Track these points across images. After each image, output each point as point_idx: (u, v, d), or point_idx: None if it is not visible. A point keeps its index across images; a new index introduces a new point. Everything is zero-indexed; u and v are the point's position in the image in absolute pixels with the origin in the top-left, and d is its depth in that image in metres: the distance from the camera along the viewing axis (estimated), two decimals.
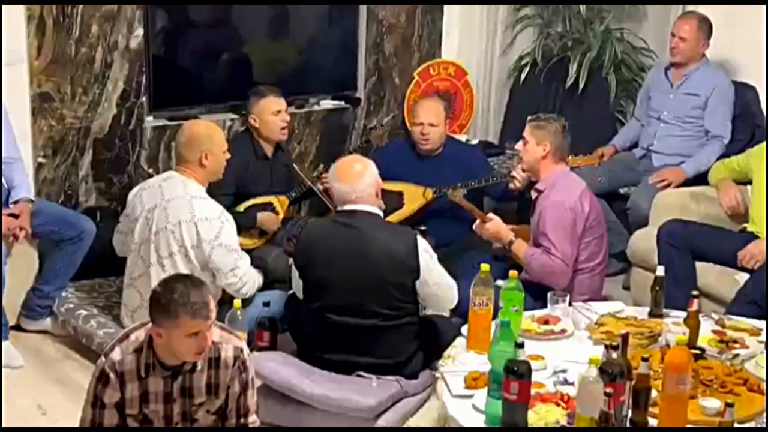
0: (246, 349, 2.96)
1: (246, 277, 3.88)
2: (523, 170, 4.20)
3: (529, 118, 4.11)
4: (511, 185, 4.38)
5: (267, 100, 4.56)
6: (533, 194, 4.07)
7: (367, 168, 3.58)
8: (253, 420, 3.00)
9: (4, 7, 4.35)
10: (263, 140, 4.62)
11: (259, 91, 4.61)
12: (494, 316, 3.35)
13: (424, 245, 3.52)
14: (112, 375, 2.80)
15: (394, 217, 4.61)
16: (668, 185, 4.84)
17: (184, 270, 3.81)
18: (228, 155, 3.98)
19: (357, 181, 3.53)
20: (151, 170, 4.86)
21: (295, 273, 3.62)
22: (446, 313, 3.94)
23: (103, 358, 2.84)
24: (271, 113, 4.57)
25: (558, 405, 2.89)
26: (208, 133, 3.94)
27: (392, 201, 4.63)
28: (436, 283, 3.54)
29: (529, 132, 4.02)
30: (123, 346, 2.83)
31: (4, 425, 3.66)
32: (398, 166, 4.72)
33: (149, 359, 2.82)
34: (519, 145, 4.08)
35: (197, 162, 3.87)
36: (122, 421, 2.86)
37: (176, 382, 2.85)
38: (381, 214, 3.60)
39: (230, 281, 3.85)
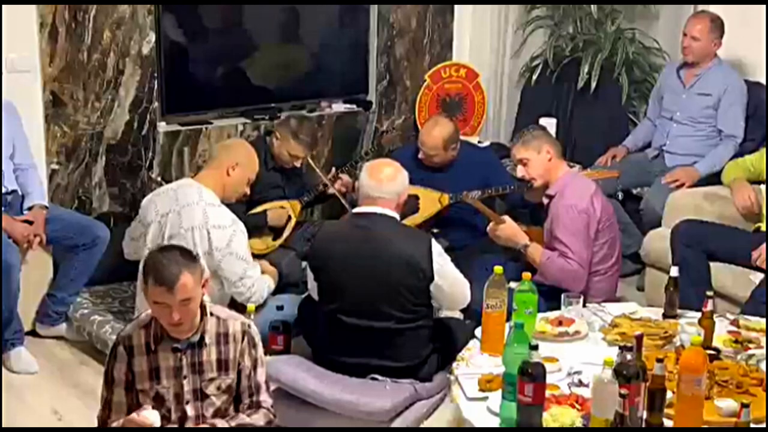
0: (254, 326, 3.01)
1: (254, 287, 3.89)
2: (536, 187, 4.12)
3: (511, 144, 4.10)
4: (527, 196, 4.32)
5: (293, 143, 4.56)
6: (545, 200, 4.05)
7: (399, 174, 3.61)
8: (264, 398, 3.01)
9: (17, 15, 4.37)
10: (275, 155, 4.64)
11: (292, 129, 4.58)
12: (508, 319, 3.35)
13: (438, 248, 3.52)
14: (120, 348, 2.89)
15: (409, 222, 4.59)
16: (681, 185, 4.83)
17: None
18: (248, 190, 4.02)
19: (386, 181, 3.54)
20: (165, 175, 4.86)
21: (310, 274, 3.62)
22: (460, 315, 3.94)
23: (115, 338, 2.95)
24: (290, 154, 4.59)
25: (573, 407, 2.89)
26: (250, 153, 4.01)
27: (408, 205, 4.62)
28: (450, 284, 3.54)
29: (524, 150, 3.99)
30: (133, 324, 2.94)
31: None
32: (411, 172, 4.70)
33: (156, 331, 2.88)
34: (520, 171, 4.03)
35: (224, 169, 3.89)
36: (133, 400, 2.90)
37: (185, 356, 2.90)
38: (397, 217, 3.60)
39: (239, 290, 3.87)
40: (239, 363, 2.95)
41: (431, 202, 4.72)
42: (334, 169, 4.85)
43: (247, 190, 4.03)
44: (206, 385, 2.92)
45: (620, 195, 4.88)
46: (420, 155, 4.77)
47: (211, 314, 2.93)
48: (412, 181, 4.67)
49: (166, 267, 2.78)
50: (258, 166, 4.06)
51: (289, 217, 4.63)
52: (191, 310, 2.84)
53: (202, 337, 2.90)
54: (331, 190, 4.78)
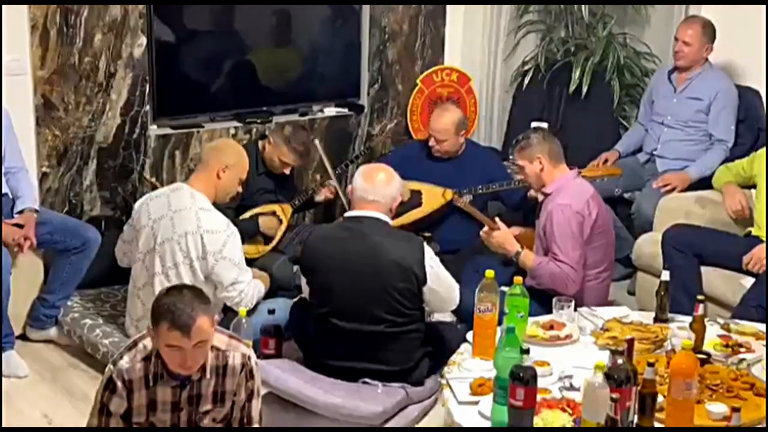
0: (254, 357, 2.94)
1: (245, 293, 3.89)
2: (536, 190, 4.17)
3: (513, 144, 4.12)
4: (530, 193, 4.35)
5: (285, 150, 4.57)
6: (540, 197, 4.06)
7: (393, 179, 3.59)
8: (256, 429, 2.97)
9: (8, 17, 4.36)
10: (266, 160, 4.64)
11: (286, 136, 4.59)
12: (499, 322, 3.35)
13: (429, 252, 3.52)
14: (119, 383, 2.79)
15: (412, 215, 4.63)
16: (672, 190, 4.84)
17: (187, 281, 3.81)
18: (241, 189, 4.01)
19: (380, 185, 3.54)
20: (156, 178, 4.85)
21: (303, 278, 3.62)
22: (451, 318, 3.94)
23: (111, 366, 2.83)
24: (281, 161, 4.60)
25: (564, 411, 2.89)
26: (239, 153, 4.01)
27: (411, 199, 4.65)
28: (441, 288, 3.54)
29: (519, 158, 4.03)
30: (131, 354, 2.82)
31: None
32: (414, 167, 4.74)
33: (157, 368, 2.80)
34: (518, 176, 4.08)
35: (215, 171, 3.89)
36: (129, 425, 2.84)
37: (184, 391, 2.83)
38: (390, 221, 3.60)
39: (230, 294, 3.86)
40: (234, 394, 2.90)
41: (435, 196, 4.74)
42: (319, 177, 4.85)
43: (240, 189, 4.03)
44: (201, 417, 2.89)
45: (618, 192, 4.89)
46: (431, 143, 4.81)
47: (212, 347, 2.82)
48: (417, 175, 4.72)
49: (181, 310, 2.66)
50: (249, 166, 4.05)
51: (281, 221, 4.62)
52: (204, 353, 2.76)
53: (203, 372, 2.82)
54: (318, 197, 4.80)
